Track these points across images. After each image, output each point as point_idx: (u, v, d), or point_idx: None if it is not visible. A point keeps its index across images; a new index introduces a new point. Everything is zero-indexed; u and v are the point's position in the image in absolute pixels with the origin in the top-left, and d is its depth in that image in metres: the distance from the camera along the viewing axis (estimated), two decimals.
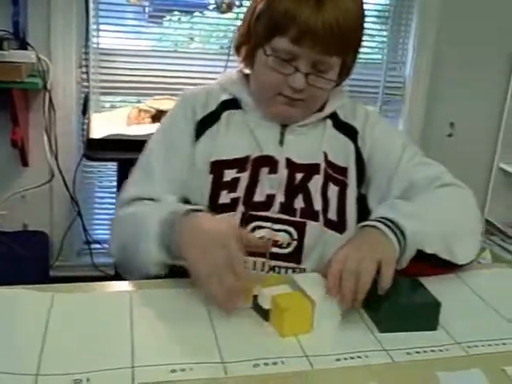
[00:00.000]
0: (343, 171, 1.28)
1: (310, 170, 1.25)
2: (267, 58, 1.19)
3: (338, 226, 1.24)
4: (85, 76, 2.57)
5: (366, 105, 1.41)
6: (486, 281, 1.17)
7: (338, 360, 0.88)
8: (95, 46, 2.58)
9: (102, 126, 2.26)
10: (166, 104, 2.23)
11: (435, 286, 1.04)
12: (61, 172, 2.60)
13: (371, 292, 0.98)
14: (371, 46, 2.96)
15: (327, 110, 1.30)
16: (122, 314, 0.97)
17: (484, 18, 2.88)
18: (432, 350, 0.92)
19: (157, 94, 2.48)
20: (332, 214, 1.24)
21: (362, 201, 1.30)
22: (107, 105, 2.73)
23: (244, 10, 2.66)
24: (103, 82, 2.62)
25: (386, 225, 1.06)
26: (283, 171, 1.24)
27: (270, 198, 1.22)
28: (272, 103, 1.24)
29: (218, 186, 1.23)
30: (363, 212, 1.27)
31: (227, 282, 0.94)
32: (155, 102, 2.33)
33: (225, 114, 1.28)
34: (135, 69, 2.62)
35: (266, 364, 0.86)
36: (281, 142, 1.27)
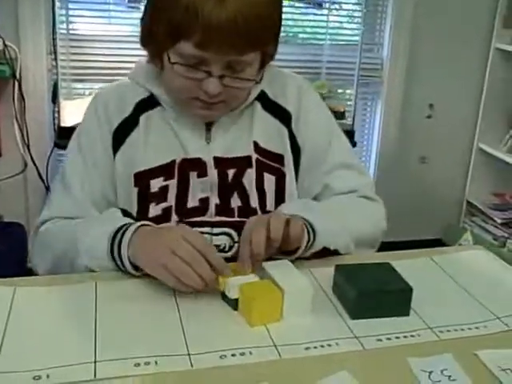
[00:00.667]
0: (279, 158, 1.20)
1: (242, 163, 1.17)
2: (172, 65, 1.06)
3: None
4: (55, 63, 2.51)
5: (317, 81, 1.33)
6: (461, 264, 1.15)
7: (308, 349, 0.86)
8: (64, 32, 2.53)
9: (74, 113, 2.22)
10: None
11: (408, 270, 1.02)
12: (34, 162, 2.56)
13: (342, 279, 0.96)
14: (348, 28, 2.93)
15: (254, 93, 1.18)
16: (86, 307, 0.94)
17: None
18: (404, 336, 0.90)
19: None
20: (270, 207, 1.18)
21: None
22: (80, 92, 2.68)
23: None
24: (75, 69, 2.57)
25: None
26: (213, 172, 1.16)
27: (204, 202, 1.16)
28: (189, 107, 1.13)
29: (145, 198, 1.15)
30: None
31: (203, 272, 0.92)
32: None
33: (142, 118, 1.17)
34: (109, 55, 2.57)
35: (233, 355, 0.84)
36: (207, 139, 1.18)
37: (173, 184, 1.15)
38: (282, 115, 1.22)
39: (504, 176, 2.96)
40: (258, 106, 1.20)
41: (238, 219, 1.15)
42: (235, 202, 1.16)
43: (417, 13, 2.83)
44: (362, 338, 0.89)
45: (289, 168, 1.20)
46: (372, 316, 0.94)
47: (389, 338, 0.89)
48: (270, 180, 1.18)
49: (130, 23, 2.68)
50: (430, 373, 0.82)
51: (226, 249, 1.16)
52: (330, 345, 0.87)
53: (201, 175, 1.16)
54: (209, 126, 1.18)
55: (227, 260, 1.02)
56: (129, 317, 0.92)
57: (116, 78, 2.50)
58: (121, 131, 1.17)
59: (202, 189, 1.15)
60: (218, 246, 1.15)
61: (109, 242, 1.02)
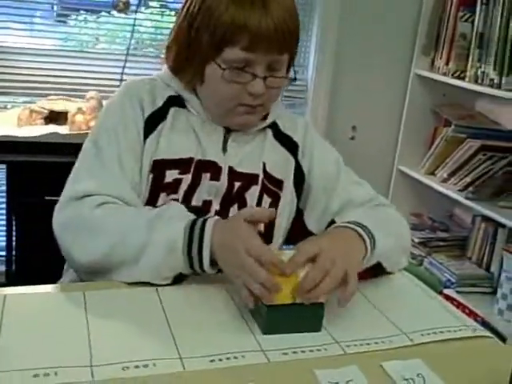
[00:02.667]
0: (279, 184, 1.27)
1: (249, 179, 1.23)
2: (223, 71, 1.14)
3: (265, 237, 1.20)
4: None
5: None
6: (376, 283, 1.17)
7: (213, 361, 0.86)
8: None
9: None
10: (60, 105, 2.16)
11: None
12: None
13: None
14: None
15: (270, 119, 1.28)
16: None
17: (383, 23, 2.95)
18: (310, 350, 0.91)
19: (54, 94, 2.39)
20: (261, 226, 1.21)
21: (298, 215, 1.32)
22: (0, 105, 2.60)
23: (149, 10, 2.67)
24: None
25: (362, 229, 1.10)
26: (225, 179, 1.21)
27: (207, 205, 1.20)
28: (233, 115, 1.20)
29: (157, 187, 1.18)
30: (298, 226, 1.30)
31: (260, 278, 0.93)
32: (48, 102, 2.24)
33: (171, 111, 1.23)
34: (34, 68, 2.51)
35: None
36: (224, 149, 1.24)
37: (186, 179, 1.19)
38: (290, 145, 1.31)
39: (422, 197, 3.04)
40: (270, 133, 1.29)
41: None
42: (234, 212, 1.20)
43: (340, 37, 2.90)
44: (268, 352, 0.89)
45: (286, 193, 1.27)
46: (284, 331, 0.95)
47: (295, 352, 0.90)
48: (266, 201, 1.24)
49: (56, 37, 2.63)
50: None
51: None
52: (235, 357, 0.87)
53: (213, 178, 1.20)
54: (226, 138, 1.24)
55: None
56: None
57: (41, 91, 2.50)
58: (152, 120, 1.21)
59: (209, 192, 1.20)
60: None
61: (185, 234, 1.03)
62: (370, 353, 0.93)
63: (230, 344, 0.90)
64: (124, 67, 2.47)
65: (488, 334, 1.02)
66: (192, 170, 1.19)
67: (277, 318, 0.95)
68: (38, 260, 1.56)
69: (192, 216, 1.08)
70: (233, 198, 1.22)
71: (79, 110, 2.16)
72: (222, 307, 1.02)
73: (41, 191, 1.85)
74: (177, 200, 1.17)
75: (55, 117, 2.22)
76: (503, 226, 2.45)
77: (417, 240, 2.87)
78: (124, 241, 1.05)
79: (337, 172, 1.31)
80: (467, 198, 2.53)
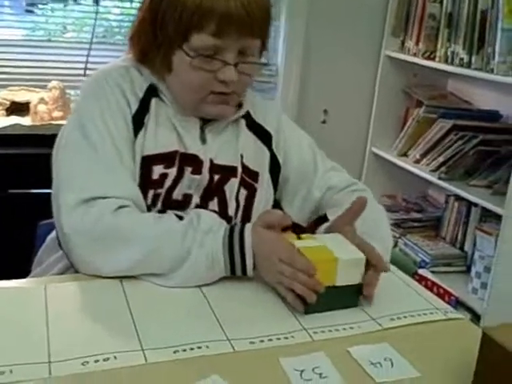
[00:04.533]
0: (255, 176, 1.24)
1: (228, 172, 1.20)
2: (191, 59, 1.10)
3: None
4: None
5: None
6: None
7: (176, 352, 0.84)
8: None
9: None
10: (21, 95, 2.11)
11: None
12: None
13: None
14: None
15: (245, 108, 1.25)
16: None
17: (352, 5, 2.93)
18: (277, 338, 0.89)
19: (16, 85, 2.33)
20: (238, 219, 1.20)
21: (276, 205, 1.30)
22: None
23: None
24: None
25: None
26: (206, 173, 1.17)
27: (187, 198, 1.16)
28: (204, 105, 1.16)
29: (146, 184, 1.13)
30: None
31: (301, 280, 0.95)
32: (9, 93, 2.18)
33: (153, 103, 1.17)
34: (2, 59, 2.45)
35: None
36: (202, 140, 1.20)
37: (171, 173, 1.15)
38: (263, 136, 1.28)
39: (395, 178, 3.03)
40: (243, 123, 1.26)
41: None
42: (213, 206, 1.18)
43: (310, 20, 2.88)
44: (234, 341, 0.88)
45: (262, 185, 1.25)
46: (324, 310, 0.97)
47: (262, 341, 0.88)
48: (242, 194, 1.22)
49: (25, 27, 2.56)
50: (302, 371, 0.82)
51: None
52: (200, 347, 0.85)
53: (195, 172, 1.17)
54: (203, 129, 1.21)
55: None
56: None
57: (3, 82, 2.44)
58: (139, 114, 1.16)
59: (189, 185, 1.16)
60: None
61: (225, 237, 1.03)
62: (338, 339, 0.91)
63: (195, 334, 0.88)
64: (88, 56, 2.42)
65: (460, 315, 1.01)
66: (176, 163, 1.16)
67: (318, 299, 0.96)
68: (1, 254, 1.53)
69: (224, 223, 1.07)
70: (212, 191, 1.19)
71: (41, 100, 2.11)
72: (188, 297, 1.00)
73: (4, 184, 1.82)
74: (160, 195, 1.13)
75: (17, 108, 2.17)
76: (476, 205, 2.45)
77: (391, 221, 2.85)
78: (160, 253, 1.01)
79: (313, 158, 1.30)
80: (440, 179, 2.53)
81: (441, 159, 2.58)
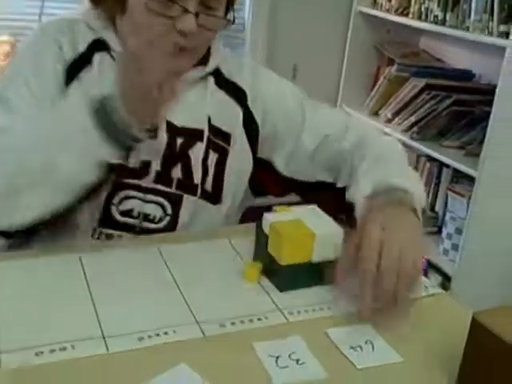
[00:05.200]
0: (226, 138, 1.14)
1: (193, 135, 1.10)
2: (148, 0, 1.00)
3: (212, 197, 1.12)
4: None
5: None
6: None
7: (141, 339, 0.77)
8: None
9: None
10: None
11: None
12: None
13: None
14: None
15: (212, 64, 1.14)
16: None
17: None
18: (250, 320, 0.83)
19: None
20: (208, 185, 1.11)
21: (264, 165, 1.21)
22: None
23: None
24: None
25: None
26: (163, 136, 1.07)
27: (146, 166, 1.06)
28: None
29: None
30: (269, 176, 1.21)
31: None
32: None
33: (96, 58, 1.07)
34: None
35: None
36: None
37: None
38: (236, 94, 1.17)
39: None
40: (212, 81, 1.15)
41: (175, 191, 1.08)
42: (176, 173, 1.09)
43: None
44: (203, 324, 0.81)
45: (235, 147, 1.15)
46: (299, 287, 0.91)
47: (233, 323, 0.82)
48: (213, 157, 1.13)
49: None
50: (278, 358, 0.76)
51: (156, 220, 1.08)
52: (166, 333, 0.78)
53: (150, 136, 1.04)
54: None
55: (156, 232, 1.07)
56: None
57: None
58: (74, 67, 1.06)
59: (147, 151, 1.05)
60: (147, 216, 1.07)
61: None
62: (315, 320, 0.85)
63: (161, 318, 0.81)
64: (42, 7, 2.27)
65: (440, 290, 0.95)
66: None
67: (293, 276, 0.91)
68: None
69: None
70: (175, 157, 1.09)
71: None
72: (153, 276, 0.92)
73: None
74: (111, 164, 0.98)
75: None
76: (447, 166, 2.41)
77: None
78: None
79: (299, 107, 1.20)
80: (412, 139, 2.48)
81: (413, 119, 2.52)
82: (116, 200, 1.05)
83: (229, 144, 1.15)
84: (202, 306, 0.85)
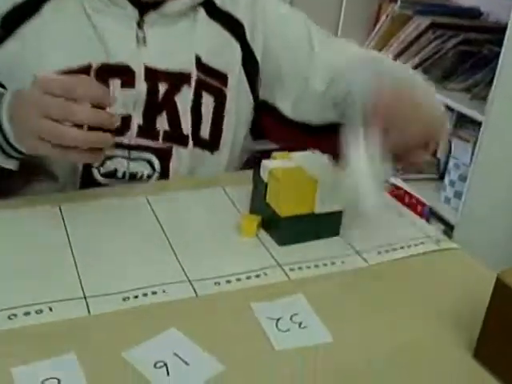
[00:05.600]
0: (223, 78, 1.01)
1: (178, 79, 0.97)
2: None
3: (210, 145, 1.02)
4: None
5: None
6: None
7: (126, 299, 0.69)
8: None
9: None
10: None
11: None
12: None
13: None
14: None
15: None
16: None
17: None
18: (247, 277, 0.75)
19: None
20: (204, 132, 1.00)
21: (266, 109, 1.09)
22: None
23: None
24: None
25: None
26: (142, 85, 0.94)
27: (125, 121, 0.93)
28: None
29: None
30: (271, 121, 1.09)
31: (81, 116, 0.73)
32: None
33: (47, 8, 0.91)
34: None
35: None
36: (138, 40, 0.94)
37: None
38: (232, 26, 1.02)
39: None
40: (202, 12, 0.99)
41: (163, 145, 0.97)
42: (162, 124, 0.97)
43: None
44: (196, 282, 0.73)
45: (232, 89, 1.02)
46: (301, 241, 0.83)
47: (228, 281, 0.74)
48: (208, 102, 1.00)
49: None
50: (278, 320, 0.69)
51: (144, 177, 0.98)
52: (154, 292, 0.70)
53: (126, 85, 0.93)
54: (140, 25, 0.94)
55: None
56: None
57: None
58: (10, 20, 0.91)
59: (125, 103, 0.93)
60: (133, 175, 0.97)
61: None
62: (318, 278, 0.77)
63: (149, 275, 0.73)
64: None
65: (454, 245, 0.87)
66: (93, 77, 0.91)
67: (294, 228, 0.82)
68: None
69: None
70: (159, 106, 0.96)
71: None
72: (140, 227, 0.84)
73: None
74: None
75: None
76: (452, 109, 2.31)
77: None
78: None
79: (305, 40, 1.05)
80: None
81: (416, 60, 2.40)
82: (96, 163, 0.94)
83: (226, 85, 1.02)
84: (194, 263, 0.77)
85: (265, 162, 0.84)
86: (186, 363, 0.61)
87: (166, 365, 0.61)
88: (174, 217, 0.87)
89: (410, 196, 2.22)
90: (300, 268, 0.78)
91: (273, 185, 0.82)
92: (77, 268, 0.73)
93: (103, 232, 0.82)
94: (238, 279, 0.75)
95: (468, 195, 2.11)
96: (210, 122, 1.01)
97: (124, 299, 0.69)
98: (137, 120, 0.95)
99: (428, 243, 0.87)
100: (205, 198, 0.93)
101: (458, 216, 2.14)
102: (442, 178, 2.35)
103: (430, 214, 2.23)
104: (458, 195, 2.20)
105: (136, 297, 0.70)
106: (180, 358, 0.62)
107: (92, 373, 0.58)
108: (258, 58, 1.05)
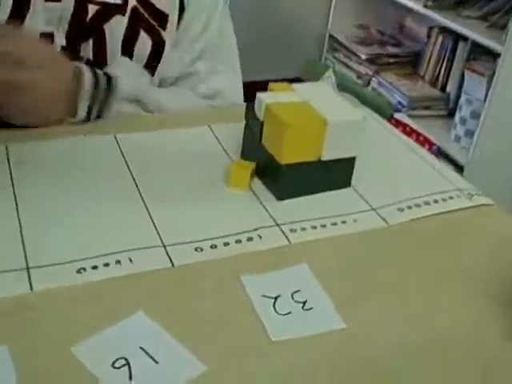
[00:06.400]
0: (162, 18, 0.88)
1: (111, 5, 0.84)
2: None
3: None
4: None
5: None
6: None
7: (81, 272, 0.54)
8: None
9: None
10: None
11: None
12: None
13: None
14: None
15: None
16: None
17: None
18: (237, 240, 0.60)
19: None
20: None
21: None
22: None
23: None
24: None
25: None
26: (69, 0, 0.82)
27: (47, 39, 0.82)
28: None
29: None
30: None
31: None
32: None
33: None
34: None
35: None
36: None
37: (6, 3, 0.79)
38: None
39: (368, 5, 2.71)
40: None
41: None
42: (86, 51, 0.85)
43: None
44: (171, 247, 0.58)
45: (170, 34, 0.89)
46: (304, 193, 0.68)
47: (213, 246, 0.59)
48: (144, 41, 0.88)
49: None
50: (276, 299, 0.54)
51: None
52: (118, 262, 0.55)
53: None
54: None
55: None
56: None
57: None
58: None
59: (48, 19, 0.82)
60: None
61: None
62: (326, 241, 0.62)
63: (112, 240, 0.58)
64: None
65: (489, 201, 0.72)
66: None
67: (296, 179, 0.68)
68: None
69: None
70: (85, 30, 0.84)
71: None
72: (106, 175, 0.68)
73: None
74: None
75: None
76: (465, 39, 2.14)
77: (363, 56, 2.59)
78: None
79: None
80: (426, 7, 2.18)
81: None
82: None
83: (164, 29, 0.88)
84: (171, 223, 0.61)
85: (260, 96, 0.68)
86: (156, 361, 0.47)
87: (128, 364, 0.46)
88: (149, 162, 0.71)
89: (418, 134, 2.08)
90: (303, 229, 0.63)
91: (271, 125, 0.66)
92: (21, 230, 0.58)
93: (56, 184, 0.66)
94: (226, 243, 0.59)
95: (481, 134, 1.98)
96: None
97: (78, 271, 0.54)
98: (59, 41, 0.83)
99: (459, 198, 0.71)
100: (186, 138, 0.77)
101: (469, 156, 2.02)
102: (451, 114, 2.21)
103: (439, 153, 2.10)
104: (469, 134, 2.06)
105: (94, 267, 0.54)
106: (148, 353, 0.47)
107: (27, 373, 0.44)
108: (185, 4, 0.91)
